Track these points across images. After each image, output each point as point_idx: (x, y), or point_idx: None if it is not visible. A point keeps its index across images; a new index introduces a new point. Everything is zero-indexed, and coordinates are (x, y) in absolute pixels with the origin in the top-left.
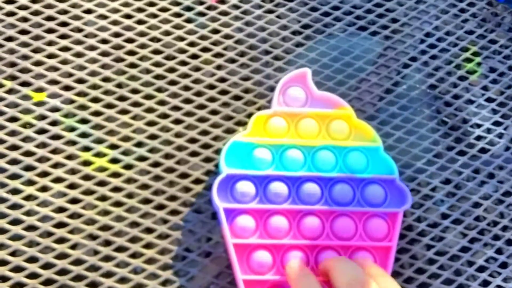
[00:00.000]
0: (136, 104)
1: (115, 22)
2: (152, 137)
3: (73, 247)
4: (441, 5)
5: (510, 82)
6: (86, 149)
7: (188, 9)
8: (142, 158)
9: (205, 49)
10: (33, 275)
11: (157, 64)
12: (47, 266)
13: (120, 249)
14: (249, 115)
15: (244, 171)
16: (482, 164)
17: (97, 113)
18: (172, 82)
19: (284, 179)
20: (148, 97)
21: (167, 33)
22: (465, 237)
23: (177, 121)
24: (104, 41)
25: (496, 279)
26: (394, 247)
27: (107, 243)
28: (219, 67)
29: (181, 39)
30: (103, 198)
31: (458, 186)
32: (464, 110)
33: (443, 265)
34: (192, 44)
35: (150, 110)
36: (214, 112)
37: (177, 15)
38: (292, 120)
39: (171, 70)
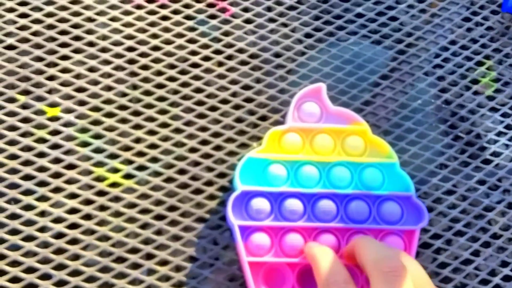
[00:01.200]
0: (149, 119)
1: (129, 37)
2: (166, 152)
3: (87, 264)
4: (455, 19)
5: None
6: (100, 164)
7: (202, 23)
8: (156, 174)
9: (218, 63)
10: None
11: (171, 79)
12: (60, 283)
13: (134, 266)
14: (263, 130)
15: (259, 187)
16: (498, 181)
17: (111, 128)
18: (186, 97)
19: (299, 196)
20: (162, 112)
21: (180, 47)
22: (481, 253)
23: (191, 136)
24: (118, 56)
25: None
26: None
27: (120, 260)
28: (232, 82)
29: (194, 53)
30: (117, 214)
31: (473, 204)
32: (480, 126)
33: (457, 284)
34: (205, 58)
35: (164, 125)
36: (227, 127)
37: (191, 29)
38: (307, 135)
39: (185, 84)
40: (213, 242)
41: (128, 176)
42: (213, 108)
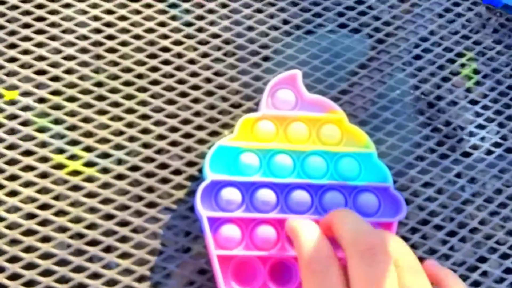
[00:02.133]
0: (114, 104)
1: (95, 18)
2: (132, 139)
3: (43, 256)
4: (436, 9)
5: (506, 89)
6: (60, 151)
7: (174, 6)
8: (120, 162)
9: (190, 48)
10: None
11: (139, 63)
12: (14, 277)
13: (94, 259)
14: (236, 118)
15: (230, 177)
16: (477, 174)
17: (72, 113)
18: (154, 82)
19: (272, 186)
20: (128, 97)
21: (150, 31)
22: (461, 249)
23: (159, 123)
24: (83, 38)
25: None
26: None
27: (79, 252)
28: (204, 67)
29: (165, 37)
30: (76, 204)
31: (453, 197)
32: (460, 118)
33: None
34: (176, 42)
35: (130, 111)
36: (198, 114)
37: (162, 12)
38: (281, 123)
39: (154, 69)
40: (180, 234)
41: (89, 164)
42: (183, 94)
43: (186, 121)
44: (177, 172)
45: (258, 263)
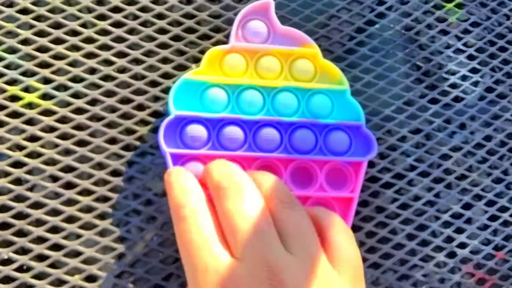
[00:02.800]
0: (73, 33)
1: None
2: (92, 71)
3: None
4: None
5: (491, 26)
6: (14, 82)
7: None
8: (79, 95)
9: None
10: None
11: (100, 2)
12: None
13: (53, 195)
14: (204, 51)
15: (196, 113)
16: (455, 114)
17: (27, 42)
18: (115, 9)
19: (240, 123)
20: (87, 25)
21: None
22: (431, 190)
23: (120, 54)
24: None
25: (461, 235)
26: (356, 199)
27: (36, 188)
28: None
29: None
30: (32, 139)
31: (429, 137)
32: (440, 55)
33: (406, 219)
34: None
35: (89, 40)
36: (163, 46)
37: None
38: (251, 57)
39: None
40: (143, 172)
41: (46, 96)
42: (146, 23)
43: (149, 53)
44: (140, 107)
45: None
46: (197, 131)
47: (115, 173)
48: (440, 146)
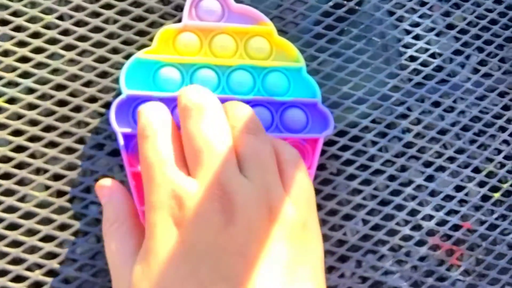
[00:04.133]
0: (19, 29)
1: None
2: (40, 65)
3: None
4: None
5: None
6: None
7: None
8: (29, 91)
9: None
10: None
11: None
12: None
13: (8, 192)
14: (154, 27)
15: (148, 92)
16: (414, 87)
17: None
18: (66, 2)
19: None
20: (32, 20)
21: None
22: (393, 164)
23: (69, 47)
24: None
25: (425, 208)
26: (312, 175)
27: None
28: None
29: None
30: None
31: (388, 111)
32: (397, 28)
33: (369, 195)
34: None
35: (35, 35)
36: (111, 36)
37: None
38: (205, 36)
39: None
40: (97, 149)
41: None
42: (94, 14)
43: (99, 44)
44: (88, 83)
45: None
46: None
47: (69, 167)
48: (400, 120)
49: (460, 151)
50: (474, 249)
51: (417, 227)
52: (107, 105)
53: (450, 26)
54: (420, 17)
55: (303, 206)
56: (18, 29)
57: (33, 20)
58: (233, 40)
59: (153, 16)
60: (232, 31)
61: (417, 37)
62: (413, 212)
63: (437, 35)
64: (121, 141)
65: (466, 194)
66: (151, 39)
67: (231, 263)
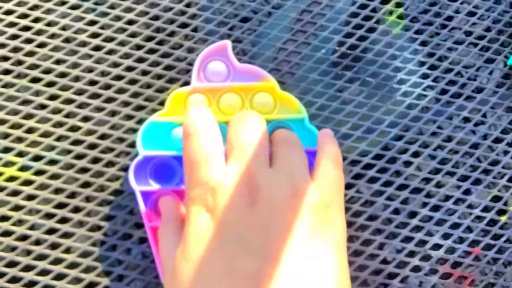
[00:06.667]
0: (41, 107)
1: (9, 24)
2: (61, 138)
3: None
4: None
5: (436, 29)
6: None
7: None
8: (53, 162)
9: (109, 39)
10: None
11: (58, 62)
12: None
13: (40, 257)
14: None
15: (164, 152)
16: (411, 121)
17: (1, 122)
18: (77, 79)
19: None
20: (53, 97)
21: (65, 28)
22: (398, 198)
23: (86, 119)
24: (1, 46)
25: (433, 237)
26: None
27: (25, 252)
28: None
29: (81, 31)
30: (17, 208)
31: (388, 148)
32: (388, 67)
33: (376, 229)
34: (93, 35)
35: (56, 110)
36: (135, 95)
37: (74, 7)
38: (213, 96)
39: (74, 65)
40: (118, 209)
41: (24, 168)
42: (118, 77)
43: (123, 103)
44: (110, 164)
45: None
46: (166, 168)
47: (95, 227)
48: (399, 155)
49: (464, 178)
50: (487, 274)
51: (426, 257)
52: (125, 169)
53: (440, 59)
54: (411, 53)
55: (327, 189)
56: (41, 106)
57: (53, 97)
58: (239, 97)
59: (160, 82)
60: (238, 89)
61: (410, 73)
62: (421, 243)
63: (431, 67)
64: (139, 199)
65: (474, 220)
66: (160, 103)
67: (254, 237)
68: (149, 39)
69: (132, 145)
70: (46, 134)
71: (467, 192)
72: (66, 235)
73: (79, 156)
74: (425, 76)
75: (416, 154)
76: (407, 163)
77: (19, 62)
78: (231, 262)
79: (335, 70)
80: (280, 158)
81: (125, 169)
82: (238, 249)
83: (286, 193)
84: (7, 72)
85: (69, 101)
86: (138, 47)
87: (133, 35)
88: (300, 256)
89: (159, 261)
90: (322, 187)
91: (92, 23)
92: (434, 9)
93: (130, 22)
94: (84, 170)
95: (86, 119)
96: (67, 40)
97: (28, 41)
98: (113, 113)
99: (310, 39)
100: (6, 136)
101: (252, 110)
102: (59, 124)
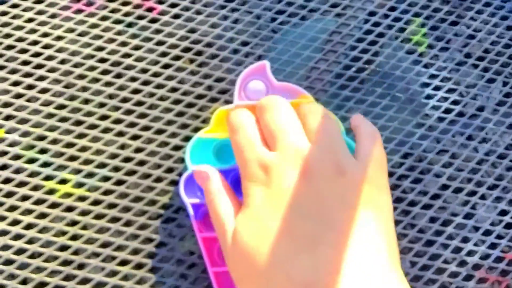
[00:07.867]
0: (92, 127)
1: (60, 50)
2: (113, 156)
3: (51, 275)
4: None
5: (459, 47)
6: (49, 177)
7: (130, 25)
8: (105, 179)
9: (153, 62)
10: None
11: (107, 84)
12: None
13: (96, 270)
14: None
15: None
16: (441, 133)
17: (55, 141)
18: (125, 100)
19: None
20: (103, 117)
21: (112, 52)
22: (432, 207)
23: (136, 137)
24: (53, 70)
25: (467, 244)
26: None
27: (81, 266)
28: (169, 78)
29: (127, 55)
30: (72, 223)
31: (419, 159)
32: (416, 83)
33: (413, 237)
34: (138, 59)
35: (106, 130)
36: (180, 114)
37: (120, 33)
38: (254, 113)
39: (122, 87)
40: (168, 222)
41: (78, 185)
42: (162, 98)
43: (169, 122)
44: (158, 179)
45: None
46: None
47: (147, 240)
48: (431, 166)
49: (494, 186)
50: None
51: (462, 263)
52: (173, 183)
53: (465, 74)
54: (437, 69)
55: (371, 166)
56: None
57: (103, 117)
58: None
59: (202, 101)
60: None
61: (436, 88)
62: (457, 250)
63: (455, 83)
64: (190, 210)
65: (505, 227)
66: (202, 121)
67: (310, 204)
68: (191, 61)
69: (178, 161)
70: (98, 152)
71: (498, 199)
72: (120, 248)
73: (130, 172)
74: (451, 91)
75: (448, 165)
76: (439, 174)
77: (70, 85)
78: (291, 225)
79: (366, 87)
80: (315, 129)
81: (173, 183)
82: (296, 214)
83: (331, 170)
84: (60, 94)
85: (118, 121)
86: (180, 69)
87: (176, 58)
88: (354, 222)
89: (211, 271)
90: (365, 163)
91: (136, 48)
92: (436, 33)
93: (173, 46)
94: (135, 185)
95: (135, 137)
96: (117, 64)
97: (78, 65)
98: (159, 132)
99: (340, 58)
100: (60, 154)
101: None
102: (110, 143)
